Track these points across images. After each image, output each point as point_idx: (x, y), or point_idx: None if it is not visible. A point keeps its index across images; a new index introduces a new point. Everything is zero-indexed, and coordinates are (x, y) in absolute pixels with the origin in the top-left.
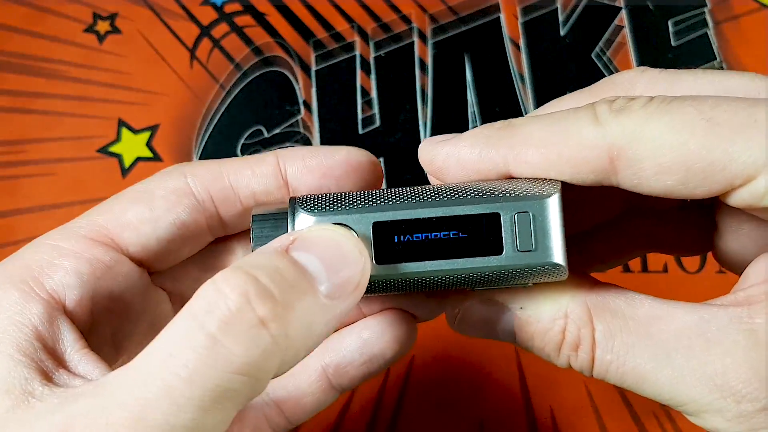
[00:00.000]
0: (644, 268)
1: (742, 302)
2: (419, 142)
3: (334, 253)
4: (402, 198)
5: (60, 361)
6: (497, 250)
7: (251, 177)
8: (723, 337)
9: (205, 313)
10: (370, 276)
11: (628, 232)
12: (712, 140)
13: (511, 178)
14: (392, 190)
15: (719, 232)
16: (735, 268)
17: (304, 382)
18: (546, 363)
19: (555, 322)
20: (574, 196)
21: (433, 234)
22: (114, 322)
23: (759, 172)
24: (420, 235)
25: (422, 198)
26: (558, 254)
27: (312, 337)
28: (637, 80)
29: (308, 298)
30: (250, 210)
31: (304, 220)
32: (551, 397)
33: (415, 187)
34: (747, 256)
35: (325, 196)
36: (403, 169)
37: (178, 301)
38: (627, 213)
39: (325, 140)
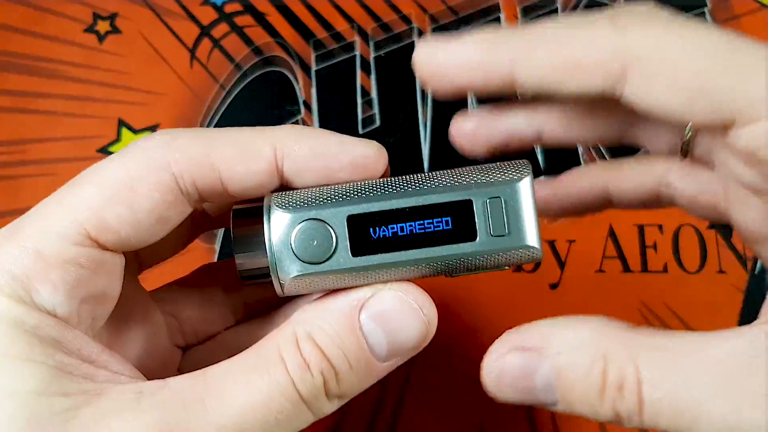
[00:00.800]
0: (644, 268)
1: None
2: (419, 142)
3: (398, 324)
4: (375, 190)
5: (81, 358)
6: (471, 236)
7: (244, 174)
8: None
9: (300, 381)
10: (348, 269)
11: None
12: (731, 66)
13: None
14: (366, 182)
15: (731, 202)
16: (752, 242)
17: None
18: None
19: (594, 364)
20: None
21: (407, 224)
22: (92, 312)
23: (762, 115)
24: (395, 225)
25: (395, 189)
26: (531, 237)
27: (364, 387)
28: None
29: (369, 371)
30: (236, 198)
31: (279, 217)
32: None
33: (389, 179)
34: (764, 231)
35: (302, 192)
36: (403, 170)
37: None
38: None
39: None
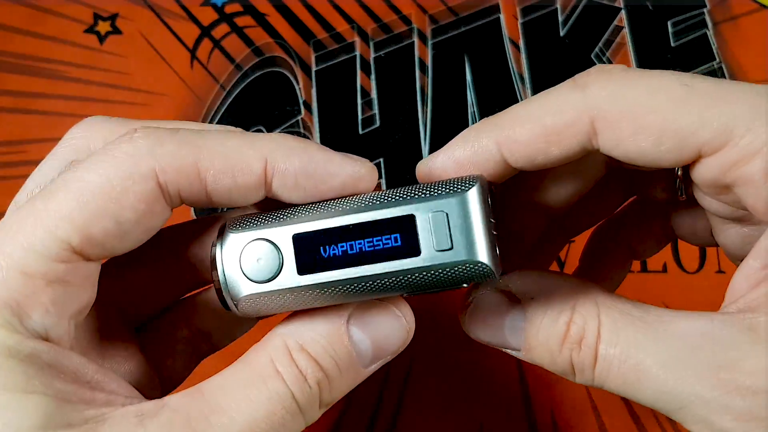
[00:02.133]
0: (644, 268)
1: (744, 309)
2: (419, 142)
3: (383, 332)
4: (323, 208)
5: (77, 381)
6: (415, 251)
7: (231, 187)
8: (728, 334)
9: (299, 393)
10: (295, 288)
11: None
12: (688, 104)
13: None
14: (317, 203)
15: (714, 231)
16: (737, 262)
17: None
18: None
19: (562, 313)
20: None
21: (354, 241)
22: (75, 324)
23: (727, 142)
24: (341, 243)
25: (342, 207)
26: (479, 251)
27: (347, 392)
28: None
29: (356, 378)
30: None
31: (230, 238)
32: (551, 398)
33: (340, 198)
34: (744, 252)
35: (256, 213)
36: (403, 170)
37: None
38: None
39: (326, 141)
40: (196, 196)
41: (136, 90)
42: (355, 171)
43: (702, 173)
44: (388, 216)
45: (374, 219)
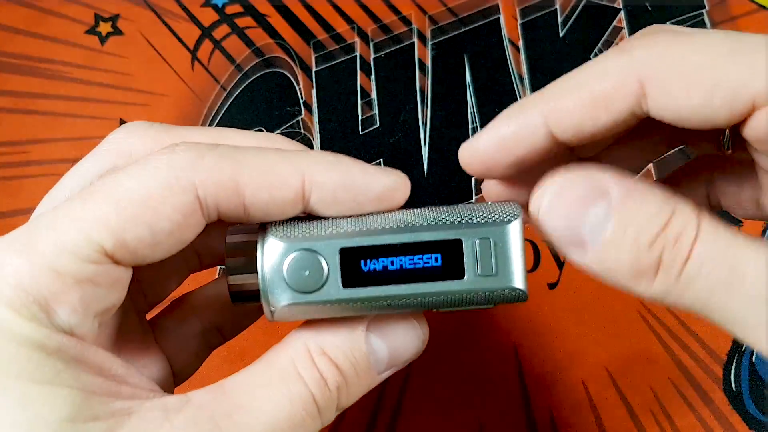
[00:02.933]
0: None
1: None
2: (419, 143)
3: (400, 341)
4: (369, 224)
5: (103, 375)
6: (459, 274)
7: (269, 201)
8: None
9: (320, 396)
10: (338, 300)
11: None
12: (737, 57)
13: (557, 157)
14: (362, 217)
15: (764, 194)
16: None
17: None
18: (545, 363)
19: (662, 210)
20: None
21: (398, 259)
22: (101, 322)
23: None
24: (385, 260)
25: (388, 224)
26: (518, 279)
27: (361, 396)
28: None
29: (370, 384)
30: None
31: (273, 245)
32: (550, 398)
33: (384, 214)
34: None
35: (296, 221)
36: (403, 170)
37: None
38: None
39: (326, 141)
40: (234, 211)
41: (137, 91)
42: (391, 182)
43: (756, 128)
44: (435, 239)
45: (422, 240)
